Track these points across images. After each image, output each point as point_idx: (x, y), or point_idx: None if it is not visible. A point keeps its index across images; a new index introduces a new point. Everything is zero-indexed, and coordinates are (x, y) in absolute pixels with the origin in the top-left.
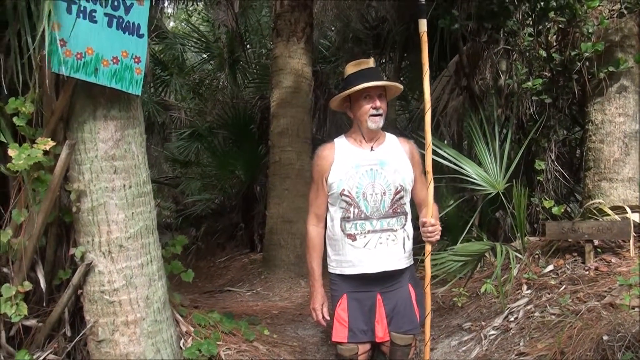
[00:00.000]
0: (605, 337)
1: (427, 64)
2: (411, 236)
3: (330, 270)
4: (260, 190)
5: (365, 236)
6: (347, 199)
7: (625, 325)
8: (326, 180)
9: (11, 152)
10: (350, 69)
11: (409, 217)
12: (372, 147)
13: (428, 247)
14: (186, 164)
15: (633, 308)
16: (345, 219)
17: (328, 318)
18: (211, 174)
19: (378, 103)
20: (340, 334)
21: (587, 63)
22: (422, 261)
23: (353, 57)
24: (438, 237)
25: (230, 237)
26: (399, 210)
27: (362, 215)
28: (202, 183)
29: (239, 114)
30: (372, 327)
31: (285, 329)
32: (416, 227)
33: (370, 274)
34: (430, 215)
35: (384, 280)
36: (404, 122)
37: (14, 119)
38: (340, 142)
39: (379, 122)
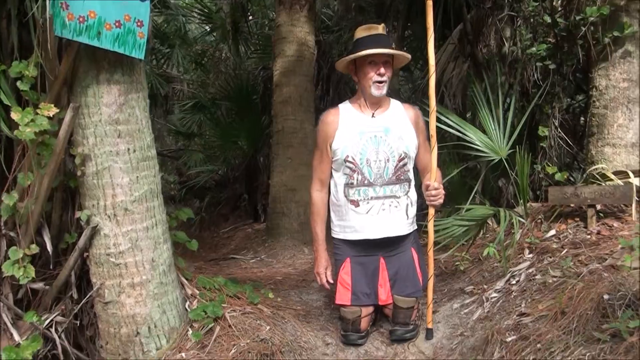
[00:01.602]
0: (605, 296)
1: (431, 28)
2: (414, 202)
3: (334, 235)
4: (263, 161)
5: (368, 202)
6: (351, 165)
7: (626, 285)
8: (330, 146)
9: (14, 116)
10: (360, 32)
11: (413, 183)
12: (373, 114)
13: (431, 211)
14: (189, 136)
15: (634, 269)
16: (348, 185)
17: (332, 281)
18: (214, 146)
19: (382, 70)
20: (343, 296)
21: (592, 28)
22: (426, 225)
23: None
24: (442, 200)
25: (234, 208)
26: (402, 177)
27: (366, 182)
28: (205, 155)
29: (242, 85)
30: (375, 290)
31: (289, 294)
32: (420, 194)
33: (372, 240)
34: (434, 179)
35: (387, 245)
36: (407, 93)
37: (18, 83)
38: (345, 108)
39: (382, 89)
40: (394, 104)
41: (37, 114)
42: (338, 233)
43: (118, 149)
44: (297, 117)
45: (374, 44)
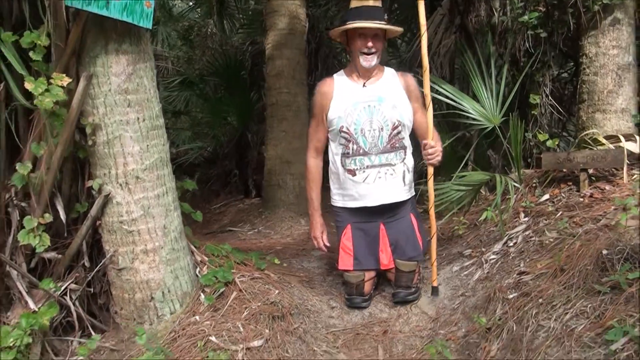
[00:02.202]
0: (604, 252)
1: None
2: (411, 169)
3: (334, 204)
4: (252, 137)
5: (364, 171)
6: (346, 135)
7: (623, 241)
8: (326, 117)
9: (28, 86)
10: (353, 2)
11: (409, 150)
12: (364, 84)
13: (430, 170)
14: (176, 114)
15: (629, 227)
16: (344, 155)
17: (329, 245)
18: (202, 122)
19: (370, 43)
20: (346, 262)
21: None
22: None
23: (344, 1)
24: (439, 158)
25: (225, 184)
26: (397, 145)
27: (361, 151)
28: (193, 132)
29: (230, 61)
30: (377, 255)
31: (291, 262)
32: (419, 157)
33: (371, 207)
34: (431, 138)
35: (386, 211)
36: (393, 66)
37: (31, 53)
38: (339, 77)
39: (371, 61)
40: (388, 72)
41: (50, 83)
42: (337, 201)
43: (128, 118)
44: (290, 90)
45: (364, 16)
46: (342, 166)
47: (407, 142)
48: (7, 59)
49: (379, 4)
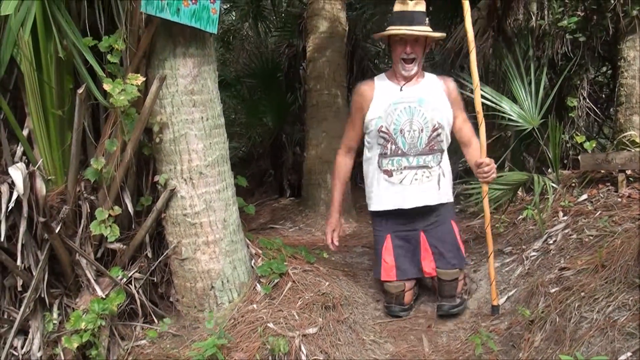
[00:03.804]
0: None
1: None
2: (447, 173)
3: (370, 209)
4: (286, 138)
5: (401, 172)
6: (385, 135)
7: None
8: (365, 117)
9: (106, 87)
10: (396, 6)
11: (445, 154)
12: (401, 88)
13: (485, 188)
14: None
15: None
16: (382, 155)
17: (337, 244)
18: (238, 123)
19: (409, 49)
20: (389, 273)
21: (621, 1)
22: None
23: (379, 4)
24: (494, 175)
25: (259, 184)
26: (435, 148)
27: (399, 152)
28: (229, 132)
29: (266, 63)
30: (419, 264)
31: (334, 258)
32: (465, 168)
33: (405, 210)
34: (484, 156)
35: (424, 216)
36: (427, 70)
37: (108, 56)
38: (380, 80)
39: (410, 69)
40: (428, 77)
41: (125, 83)
42: (373, 205)
43: (193, 117)
44: (330, 92)
45: (403, 22)
46: (379, 167)
47: (445, 145)
48: (88, 63)
49: (421, 7)
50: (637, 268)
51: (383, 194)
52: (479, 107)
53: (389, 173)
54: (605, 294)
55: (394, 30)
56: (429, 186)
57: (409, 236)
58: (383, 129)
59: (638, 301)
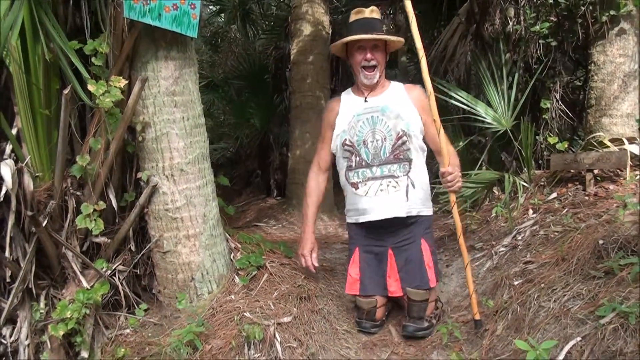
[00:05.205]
0: (600, 242)
1: (412, 13)
2: (418, 184)
3: (347, 220)
4: (274, 139)
5: (365, 184)
6: (350, 148)
7: (619, 232)
8: (333, 133)
9: (91, 88)
10: (351, 17)
11: (418, 165)
12: (365, 99)
13: (452, 197)
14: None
15: (627, 221)
16: (348, 168)
17: (317, 264)
18: (225, 124)
19: (369, 55)
20: (352, 286)
21: (591, 7)
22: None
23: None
24: (460, 184)
25: (247, 184)
26: (401, 157)
27: (363, 163)
28: (217, 133)
29: (254, 65)
30: (384, 282)
31: None
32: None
33: (374, 222)
34: (447, 164)
35: (394, 233)
36: (413, 72)
37: (93, 59)
38: (346, 95)
39: (372, 77)
40: (394, 85)
41: (109, 85)
42: (348, 217)
43: (174, 117)
44: (314, 94)
45: (360, 29)
46: (347, 180)
47: (413, 154)
48: (74, 65)
49: (377, 15)
50: (593, 260)
51: (351, 208)
52: (435, 115)
53: (355, 186)
54: (562, 284)
55: (351, 37)
56: (396, 197)
57: (377, 252)
58: (347, 142)
59: (591, 291)
